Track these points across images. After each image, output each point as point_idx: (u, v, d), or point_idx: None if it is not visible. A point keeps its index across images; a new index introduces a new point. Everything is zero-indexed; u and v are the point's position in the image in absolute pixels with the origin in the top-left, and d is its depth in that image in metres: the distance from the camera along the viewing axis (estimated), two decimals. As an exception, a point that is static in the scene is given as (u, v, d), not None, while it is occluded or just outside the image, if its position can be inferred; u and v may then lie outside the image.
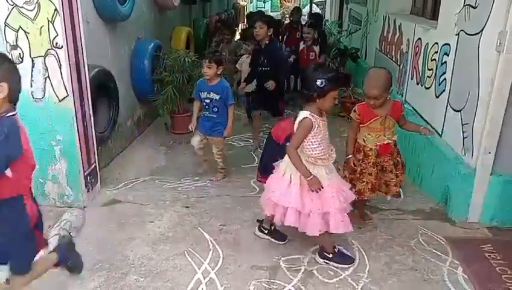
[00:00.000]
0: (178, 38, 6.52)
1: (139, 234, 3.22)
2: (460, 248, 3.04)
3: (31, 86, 3.23)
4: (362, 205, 3.38)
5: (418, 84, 4.47)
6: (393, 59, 5.53)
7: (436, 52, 3.98)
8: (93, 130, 3.72)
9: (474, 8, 3.27)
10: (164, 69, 5.24)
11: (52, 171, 3.46)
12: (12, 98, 2.03)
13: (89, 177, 3.63)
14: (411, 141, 4.10)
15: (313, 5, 16.27)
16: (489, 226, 3.31)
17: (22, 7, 3.05)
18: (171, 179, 4.14)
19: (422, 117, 4.21)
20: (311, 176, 2.65)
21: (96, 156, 3.77)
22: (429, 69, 4.15)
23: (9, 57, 2.48)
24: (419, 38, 4.49)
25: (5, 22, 3.08)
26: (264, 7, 27.30)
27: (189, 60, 5.21)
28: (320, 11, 16.37)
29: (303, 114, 2.67)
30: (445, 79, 3.75)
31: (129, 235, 3.20)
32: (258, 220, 3.23)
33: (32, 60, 3.17)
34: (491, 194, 3.26)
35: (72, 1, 3.27)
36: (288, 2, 24.46)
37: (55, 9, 3.07)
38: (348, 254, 2.94)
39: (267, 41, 4.67)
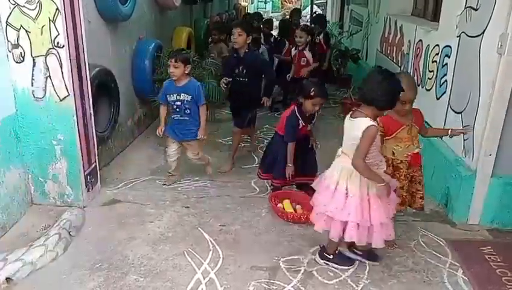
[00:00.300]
0: (179, 38, 6.51)
1: (139, 234, 3.22)
2: (461, 250, 3.04)
3: (32, 85, 3.24)
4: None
5: (418, 86, 4.47)
6: (394, 60, 5.54)
7: (437, 54, 3.98)
8: (94, 129, 3.72)
9: (476, 10, 3.27)
10: (165, 69, 5.23)
11: (53, 170, 3.46)
12: None
13: (89, 177, 3.63)
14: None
15: (314, 6, 16.27)
16: (489, 228, 3.32)
17: (24, 6, 3.05)
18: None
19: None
20: (384, 183, 2.52)
21: (96, 155, 3.77)
22: (430, 71, 4.16)
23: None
24: (420, 40, 4.49)
25: (7, 21, 3.08)
26: (265, 8, 27.31)
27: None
28: (321, 12, 16.37)
29: (365, 122, 2.48)
30: (446, 81, 3.76)
31: (129, 235, 3.20)
32: (321, 247, 2.97)
33: (34, 59, 3.17)
34: (492, 196, 3.26)
35: (74, 1, 3.27)
36: (290, 2, 24.47)
37: (57, 9, 3.07)
38: (349, 255, 2.92)
39: (246, 50, 4.28)
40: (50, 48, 3.15)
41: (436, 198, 3.68)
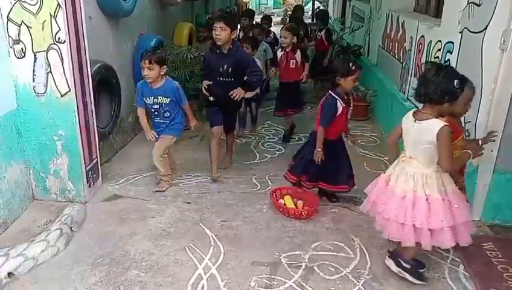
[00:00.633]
0: (180, 34, 6.49)
1: (140, 229, 3.22)
2: (462, 246, 3.03)
3: (33, 81, 3.24)
4: None
5: (420, 81, 4.45)
6: (396, 57, 5.52)
7: (439, 49, 3.96)
8: (95, 125, 3.72)
9: (478, 5, 3.26)
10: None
11: (54, 166, 3.46)
12: None
13: (90, 172, 3.63)
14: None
15: (316, 2, 16.22)
16: (491, 225, 3.31)
17: (25, 1, 3.05)
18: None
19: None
20: (470, 153, 2.50)
21: (97, 151, 3.77)
22: (432, 67, 4.13)
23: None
24: (423, 36, 4.48)
25: (8, 16, 3.08)
26: (267, 4, 27.28)
27: (191, 56, 5.20)
28: (317, 8, 16.31)
29: (436, 124, 2.38)
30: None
31: (130, 231, 3.20)
32: (390, 252, 2.81)
33: (35, 55, 3.17)
34: (493, 192, 3.25)
35: (75, -4, 3.27)
36: (291, -1, 24.38)
37: (58, 4, 3.06)
38: (422, 270, 2.75)
39: (231, 46, 3.85)
40: (51, 44, 3.14)
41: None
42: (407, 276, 2.67)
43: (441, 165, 2.44)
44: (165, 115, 3.64)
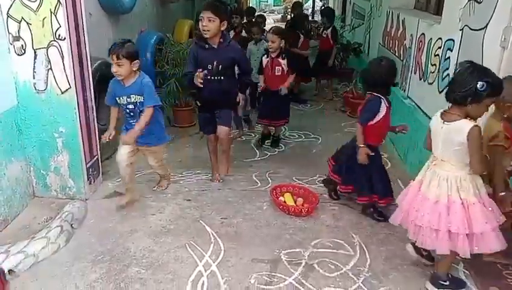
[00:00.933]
0: (181, 31, 6.50)
1: (140, 227, 3.23)
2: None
3: (34, 78, 3.24)
4: None
5: (420, 79, 4.45)
6: (396, 54, 5.51)
7: (440, 47, 3.96)
8: (96, 122, 3.72)
9: (479, 3, 3.25)
10: (166, 62, 5.23)
11: (54, 163, 3.46)
12: None
13: (91, 170, 3.64)
14: (413, 138, 4.09)
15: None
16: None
17: (25, -2, 3.05)
18: (173, 172, 4.13)
19: (424, 113, 4.20)
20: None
21: (98, 148, 3.77)
22: (432, 65, 4.13)
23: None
24: (423, 34, 4.47)
25: (8, 12, 3.08)
26: (267, 1, 27.21)
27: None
28: (323, 6, 16.26)
29: (466, 124, 2.30)
30: (448, 74, 3.73)
31: (131, 228, 3.21)
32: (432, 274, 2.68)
33: (35, 52, 3.17)
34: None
35: (75, -7, 3.27)
36: (292, -4, 24.37)
37: (58, 1, 3.06)
38: (458, 276, 2.71)
39: (221, 40, 3.48)
40: (51, 40, 3.14)
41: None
42: None
43: (471, 167, 2.35)
44: (141, 116, 3.23)
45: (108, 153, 4.38)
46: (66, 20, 3.13)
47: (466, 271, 2.78)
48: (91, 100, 3.60)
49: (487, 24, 3.12)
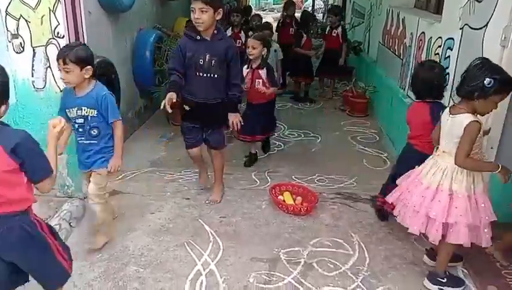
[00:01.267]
0: (180, 29, 6.47)
1: (139, 225, 3.22)
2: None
3: (32, 76, 3.22)
4: None
5: (420, 78, 4.44)
6: (396, 53, 5.50)
7: (440, 46, 3.95)
8: (94, 120, 3.69)
9: (479, 2, 3.24)
10: (166, 61, 5.22)
11: (53, 161, 3.45)
12: None
13: (89, 168, 3.62)
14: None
15: (316, -2, 16.16)
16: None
17: (23, -5, 3.03)
18: (172, 171, 4.14)
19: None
20: (500, 167, 2.38)
21: (97, 146, 3.75)
22: (432, 64, 4.13)
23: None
24: (423, 32, 4.46)
25: (6, 10, 3.06)
26: (267, 0, 27.17)
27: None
28: (323, 4, 16.24)
29: (466, 117, 2.32)
30: (448, 73, 3.73)
31: (129, 226, 3.20)
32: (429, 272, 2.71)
33: (34, 50, 3.16)
34: (493, 189, 3.23)
35: (74, -10, 3.25)
36: (292, -6, 24.26)
37: (57, -1, 3.05)
38: (457, 275, 2.74)
39: (215, 31, 3.11)
40: (50, 38, 3.13)
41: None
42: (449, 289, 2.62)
43: (455, 156, 2.38)
44: (92, 133, 2.69)
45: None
46: (65, 18, 3.12)
47: (465, 270, 2.79)
48: (90, 98, 3.58)
49: (487, 23, 3.11)
